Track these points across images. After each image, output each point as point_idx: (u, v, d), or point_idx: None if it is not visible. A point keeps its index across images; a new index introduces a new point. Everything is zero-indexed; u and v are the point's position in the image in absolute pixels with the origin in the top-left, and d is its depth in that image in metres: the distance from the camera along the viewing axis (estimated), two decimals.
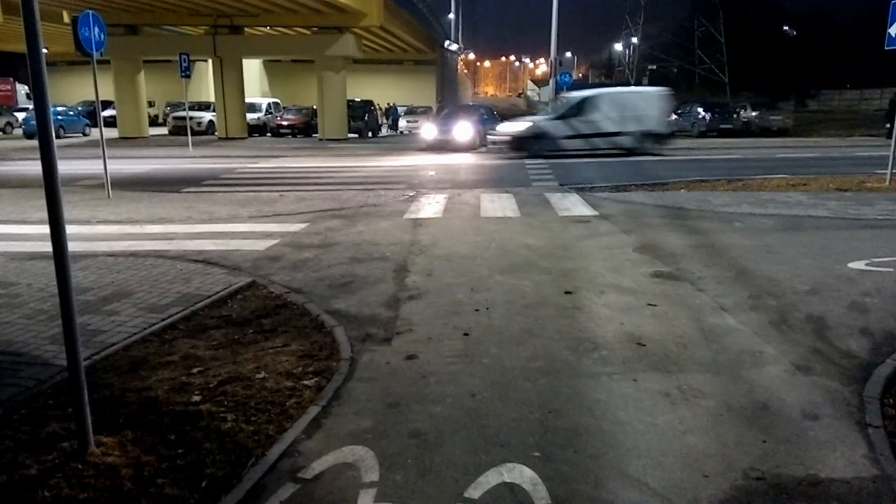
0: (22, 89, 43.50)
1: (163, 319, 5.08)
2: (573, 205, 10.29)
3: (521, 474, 2.99)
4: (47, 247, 7.54)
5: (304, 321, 5.14)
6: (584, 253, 7.15)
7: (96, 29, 10.98)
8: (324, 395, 3.84)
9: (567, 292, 5.74)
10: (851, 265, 6.46)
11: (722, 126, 28.69)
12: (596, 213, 9.51)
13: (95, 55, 11.03)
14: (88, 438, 3.15)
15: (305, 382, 4.03)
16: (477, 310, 5.33)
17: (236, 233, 8.36)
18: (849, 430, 3.39)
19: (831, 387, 3.90)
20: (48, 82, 3.06)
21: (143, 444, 3.26)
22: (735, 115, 29.50)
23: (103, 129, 11.82)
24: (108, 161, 11.51)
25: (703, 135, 28.14)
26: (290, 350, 4.53)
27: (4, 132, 34.11)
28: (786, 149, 20.60)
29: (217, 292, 5.79)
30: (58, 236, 3.10)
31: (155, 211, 10.02)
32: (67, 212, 9.91)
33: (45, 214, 10.10)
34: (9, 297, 5.59)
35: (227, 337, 4.80)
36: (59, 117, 31.72)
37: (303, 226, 8.78)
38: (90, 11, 10.84)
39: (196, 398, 3.82)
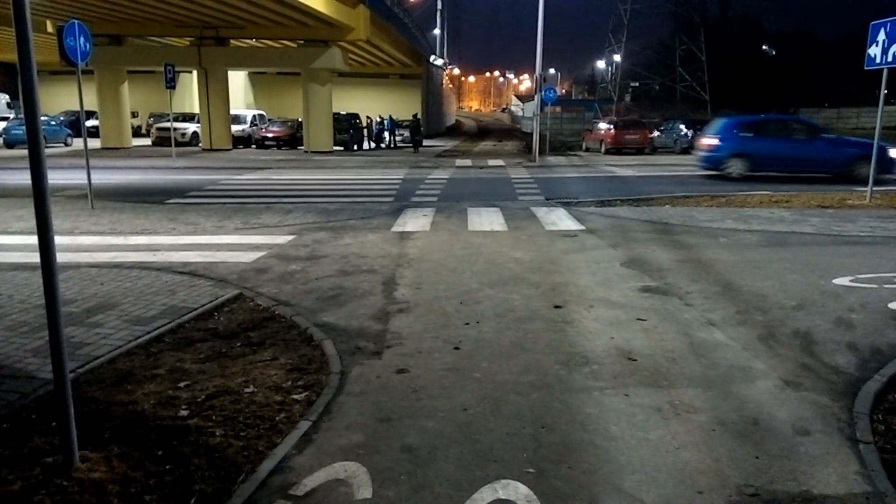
0: (2, 98, 43.00)
1: (148, 332, 5.00)
2: (560, 219, 10.33)
3: (516, 491, 2.96)
4: (29, 257, 7.44)
5: (293, 334, 5.09)
6: (573, 267, 7.17)
7: (82, 39, 10.91)
8: (314, 409, 3.79)
9: (556, 306, 5.74)
10: (836, 281, 6.54)
11: None
12: (582, 227, 9.56)
13: (81, 65, 10.95)
14: (73, 454, 3.08)
15: (295, 397, 3.98)
16: (467, 323, 5.31)
17: (222, 244, 8.28)
18: (840, 446, 3.41)
19: (821, 402, 3.93)
20: (40, 90, 3.02)
21: (129, 460, 3.19)
22: None
23: (87, 139, 11.70)
24: (92, 172, 11.38)
25: (685, 151, 28.43)
26: (279, 363, 4.48)
27: None
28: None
29: (203, 305, 5.72)
30: (46, 247, 3.04)
31: (139, 222, 9.91)
32: None
33: (26, 224, 10.03)
34: None
35: (214, 350, 4.74)
36: (42, 127, 31.42)
37: (290, 238, 8.73)
38: (76, 21, 10.77)
39: (183, 412, 3.75)
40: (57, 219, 9.98)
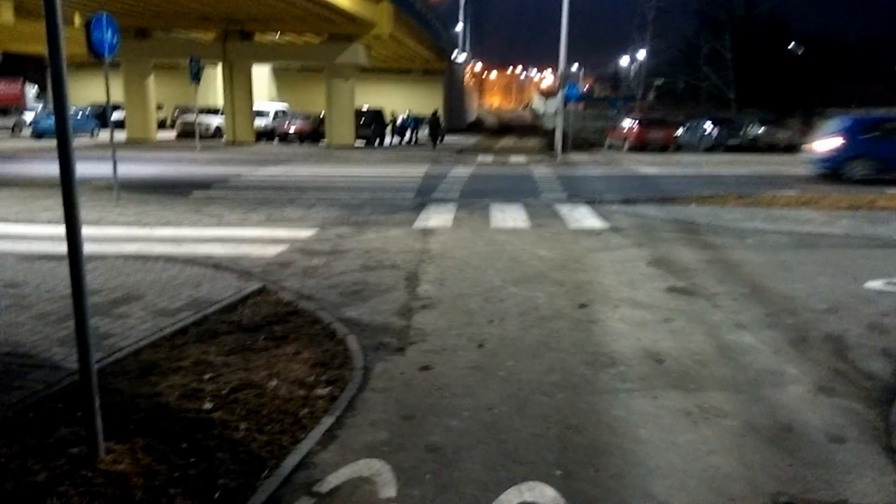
0: (31, 90, 43.77)
1: (173, 324, 5.02)
2: (583, 217, 10.23)
3: (543, 493, 2.91)
4: (56, 247, 7.53)
5: (316, 329, 5.08)
6: (597, 266, 7.08)
7: (109, 32, 10.99)
8: (338, 405, 3.77)
9: (581, 305, 5.67)
10: (868, 285, 6.38)
11: (729, 142, 28.64)
12: (607, 225, 9.45)
13: (108, 58, 11.04)
14: (98, 445, 3.09)
15: (318, 392, 3.96)
16: (491, 321, 5.26)
17: (246, 238, 8.31)
18: (876, 455, 3.31)
19: (855, 409, 3.82)
20: (67, 83, 3.02)
21: (154, 453, 3.19)
22: (742, 131, 29.46)
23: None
24: (117, 163, 11.49)
25: (710, 150, 28.10)
26: (303, 358, 4.46)
27: (13, 132, 34.24)
28: (793, 165, 20.51)
29: (227, 297, 5.73)
30: (74, 238, 3.04)
31: (164, 214, 9.99)
32: None
33: (53, 214, 10.15)
34: (17, 298, 5.53)
35: (238, 343, 4.74)
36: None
37: (312, 232, 8.73)
38: (104, 14, 10.85)
39: (208, 406, 3.75)
40: (83, 209, 10.03)
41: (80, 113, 34.53)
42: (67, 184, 2.97)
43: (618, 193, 13.31)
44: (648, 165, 20.87)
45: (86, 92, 43.47)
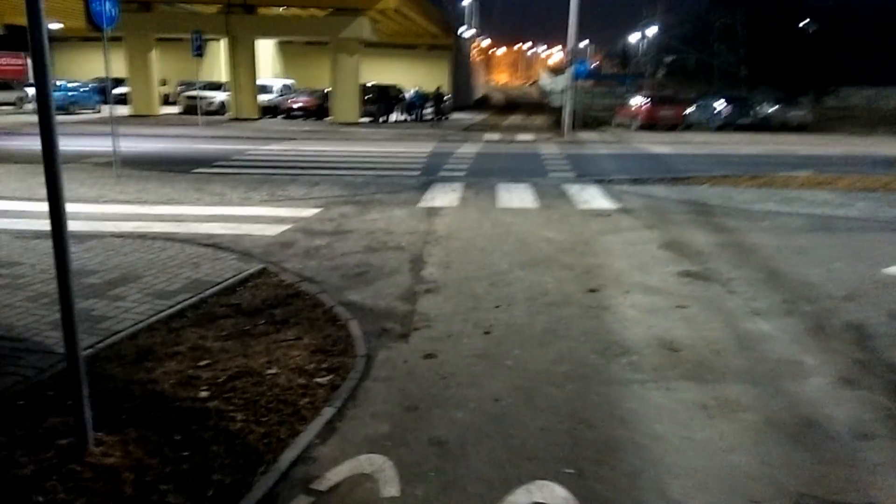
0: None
1: (170, 307, 4.87)
2: (592, 197, 10.00)
3: (553, 493, 2.76)
4: (68, 225, 7.35)
5: (318, 313, 4.92)
6: (607, 248, 6.89)
7: (108, 4, 10.73)
8: (338, 394, 3.62)
9: (591, 290, 5.49)
10: (887, 270, 6.17)
11: (740, 120, 28.16)
12: (617, 206, 9.22)
13: (107, 31, 10.79)
14: (88, 438, 2.95)
15: (319, 380, 3.81)
16: (497, 306, 5.09)
17: (247, 217, 8.14)
18: None
19: (880, 403, 3.65)
20: (50, 56, 2.82)
21: (146, 444, 3.05)
22: (754, 110, 28.96)
23: (115, 106, 11.61)
24: (118, 139, 11.31)
25: (721, 129, 27.66)
26: (303, 344, 4.31)
27: (16, 106, 34.01)
28: (807, 145, 20.16)
29: (227, 279, 5.57)
30: (57, 216, 2.84)
31: (164, 192, 9.81)
32: (75, 189, 9.72)
33: None
34: (11, 279, 5.39)
35: (236, 327, 4.59)
36: (71, 93, 31.61)
37: (315, 211, 8.55)
38: None
39: (204, 394, 3.61)
40: (83, 186, 9.94)
41: (84, 87, 34.28)
42: (50, 163, 2.78)
43: (627, 173, 13.05)
44: (658, 144, 20.54)
45: (90, 66, 43.04)
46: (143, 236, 6.96)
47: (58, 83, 34.62)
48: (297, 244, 6.86)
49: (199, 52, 22.83)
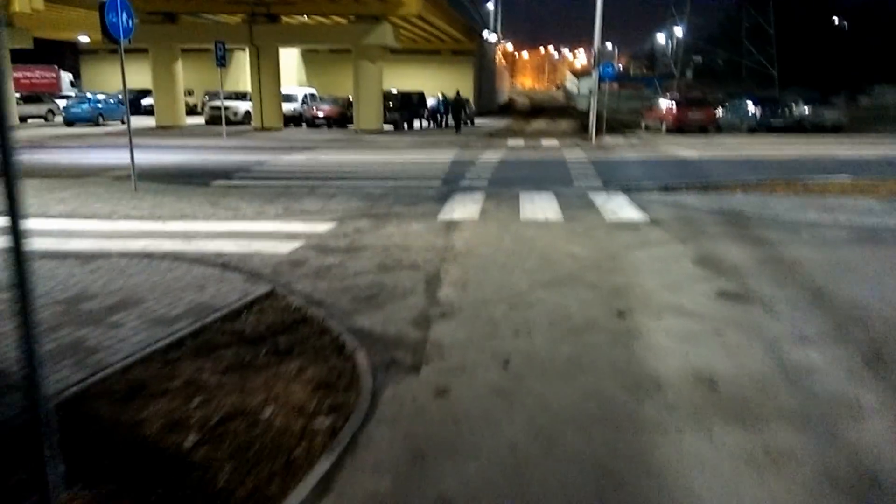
0: (66, 77, 44.16)
1: (169, 335, 4.59)
2: (620, 207, 9.56)
3: None
4: (63, 244, 7.19)
5: (324, 341, 4.59)
6: (636, 265, 6.46)
7: (124, 15, 10.63)
8: (339, 441, 3.28)
9: (619, 314, 5.08)
10: None
11: (772, 122, 27.33)
12: (646, 217, 8.77)
13: (123, 42, 10.68)
14: (50, 497, 2.64)
15: (318, 424, 3.47)
16: (517, 333, 4.71)
17: (260, 233, 7.88)
18: None
19: None
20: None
21: None
22: (787, 111, 28.08)
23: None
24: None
25: (752, 131, 26.88)
26: (306, 378, 3.98)
27: (46, 119, 34.56)
28: (842, 147, 19.38)
29: (232, 303, 5.28)
30: (18, 242, 2.54)
31: (180, 206, 9.62)
32: (89, 205, 9.55)
33: (66, 207, 9.73)
34: (6, 304, 5.15)
35: (237, 358, 4.28)
36: (99, 105, 31.96)
37: (330, 226, 8.26)
38: None
39: (192, 438, 3.29)
40: (98, 201, 9.80)
41: (112, 99, 34.65)
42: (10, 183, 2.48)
43: (656, 180, 12.56)
44: (688, 148, 19.94)
45: (118, 78, 43.62)
46: (150, 256, 6.72)
47: (87, 95, 35.18)
48: (309, 263, 6.56)
49: (223, 61, 22.88)
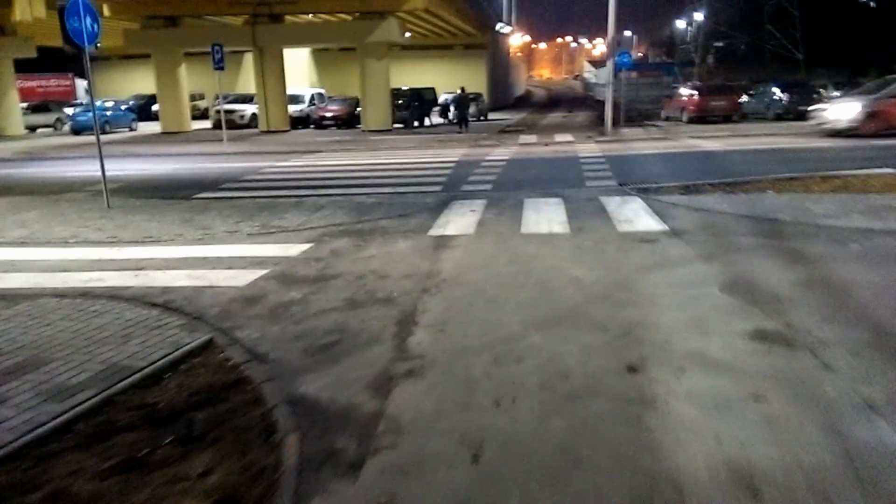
0: (82, 84, 43.88)
1: (58, 415, 3.66)
2: (635, 214, 8.46)
3: None
4: (11, 280, 6.23)
5: (252, 418, 3.63)
6: (652, 294, 5.39)
7: (88, 19, 9.79)
8: None
9: (630, 369, 4.04)
10: None
11: (801, 108, 25.78)
12: (665, 227, 7.66)
13: (88, 49, 9.85)
14: None
15: None
16: (497, 401, 3.70)
17: (222, 259, 6.95)
18: None
19: None
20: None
21: None
22: (816, 96, 26.49)
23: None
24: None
25: (779, 118, 25.40)
26: (207, 486, 3.02)
27: (55, 128, 34.20)
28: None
29: (156, 361, 4.35)
30: None
31: (147, 226, 8.74)
32: (50, 228, 8.63)
33: (26, 232, 8.76)
34: None
35: (132, 450, 3.33)
36: (107, 112, 31.45)
37: (304, 247, 7.32)
38: None
39: None
40: (62, 224, 8.97)
41: (123, 106, 34.15)
42: None
43: (677, 178, 11.40)
44: (711, 139, 18.69)
45: (128, 84, 43.40)
46: (86, 294, 5.82)
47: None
48: (266, 299, 5.61)
49: (220, 64, 22.13)
